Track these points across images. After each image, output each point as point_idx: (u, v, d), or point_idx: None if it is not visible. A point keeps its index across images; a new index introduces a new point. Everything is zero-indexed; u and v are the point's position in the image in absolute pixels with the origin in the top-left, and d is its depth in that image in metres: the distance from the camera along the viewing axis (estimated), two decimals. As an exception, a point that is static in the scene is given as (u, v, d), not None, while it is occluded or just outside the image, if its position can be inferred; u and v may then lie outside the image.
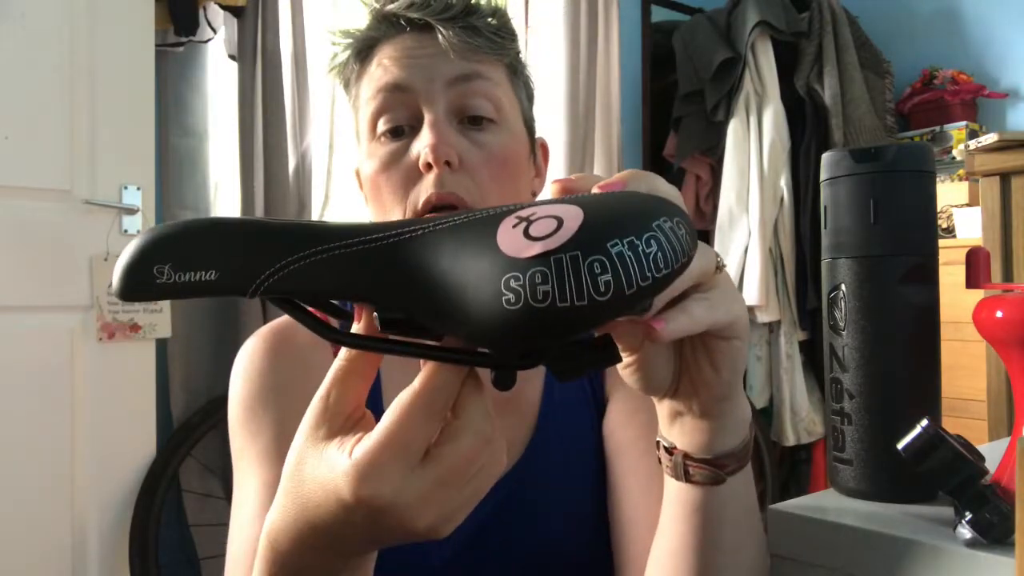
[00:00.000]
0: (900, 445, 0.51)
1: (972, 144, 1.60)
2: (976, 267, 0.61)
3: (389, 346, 0.37)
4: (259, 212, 2.02)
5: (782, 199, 2.54)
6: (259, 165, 2.00)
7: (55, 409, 1.64)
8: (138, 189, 1.76)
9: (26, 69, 1.62)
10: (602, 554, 0.68)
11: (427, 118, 0.65)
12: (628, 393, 0.71)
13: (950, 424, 0.55)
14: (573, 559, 0.69)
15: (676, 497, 0.50)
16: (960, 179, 2.64)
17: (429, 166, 0.63)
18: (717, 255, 0.41)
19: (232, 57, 2.04)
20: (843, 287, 0.62)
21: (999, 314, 0.56)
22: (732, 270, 2.49)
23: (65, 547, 1.65)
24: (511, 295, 0.31)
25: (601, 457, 0.71)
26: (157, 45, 1.84)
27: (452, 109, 0.66)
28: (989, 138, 1.56)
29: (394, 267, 0.35)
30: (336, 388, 0.38)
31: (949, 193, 2.56)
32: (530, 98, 0.75)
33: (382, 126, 0.67)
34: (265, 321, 1.93)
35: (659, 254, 0.32)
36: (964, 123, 2.80)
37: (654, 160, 2.92)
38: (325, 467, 0.37)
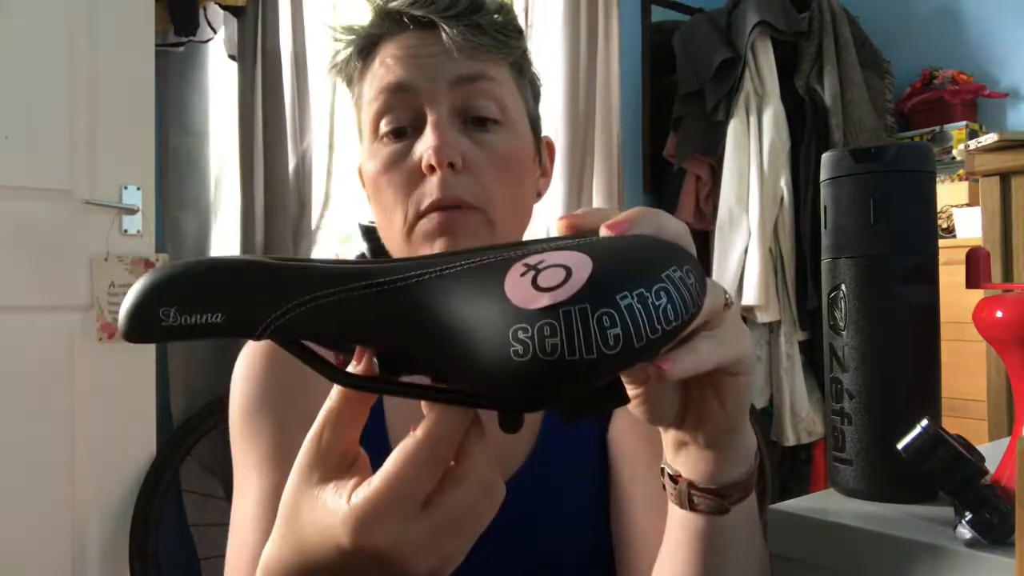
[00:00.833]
0: (900, 445, 0.51)
1: (972, 144, 1.60)
2: (976, 267, 0.61)
3: (396, 388, 0.37)
4: (259, 212, 2.01)
5: (782, 199, 2.54)
6: (259, 165, 2.00)
7: (55, 409, 1.64)
8: (138, 189, 1.76)
9: (26, 69, 1.62)
10: (604, 564, 0.68)
11: (430, 119, 0.63)
12: None
13: (950, 424, 0.55)
14: (575, 568, 0.68)
15: (680, 524, 0.50)
16: (960, 179, 2.64)
17: (432, 168, 0.62)
18: (726, 292, 0.41)
19: (232, 57, 2.04)
20: (843, 287, 0.62)
21: (999, 314, 0.56)
22: (732, 270, 2.49)
23: (65, 547, 1.65)
24: (519, 346, 0.31)
25: (605, 466, 0.70)
26: (157, 45, 1.84)
27: (456, 110, 0.65)
28: (989, 138, 1.56)
29: (401, 311, 0.34)
30: (328, 430, 0.38)
31: (949, 193, 2.56)
32: (536, 96, 0.74)
33: (384, 126, 0.65)
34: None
35: (669, 307, 0.32)
36: (964, 123, 2.80)
37: (654, 160, 2.91)
38: (321, 512, 0.36)
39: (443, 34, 0.64)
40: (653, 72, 2.93)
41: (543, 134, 0.75)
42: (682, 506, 0.48)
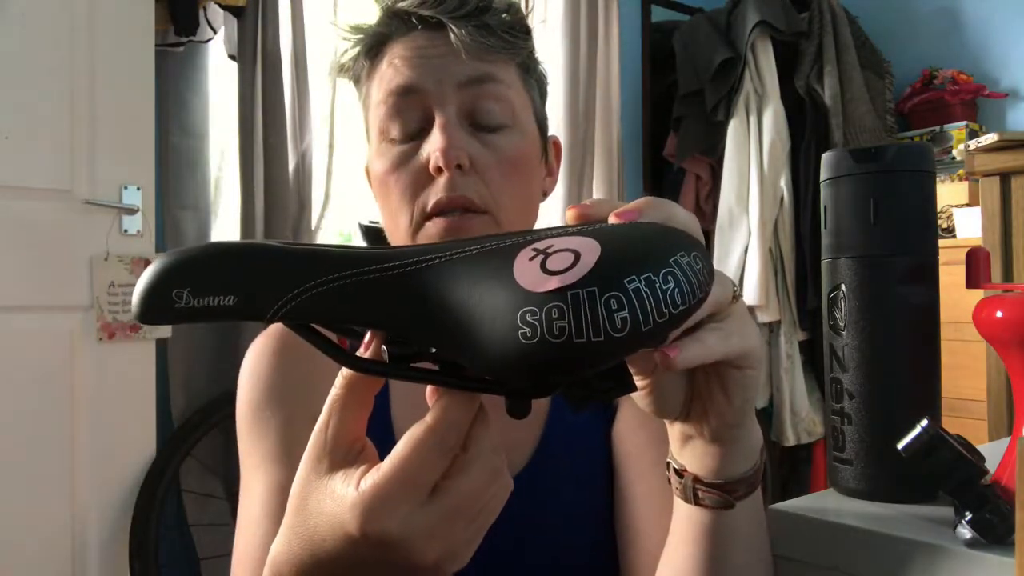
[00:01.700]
0: (900, 445, 0.51)
1: (972, 144, 1.60)
2: (976, 267, 0.61)
3: (404, 372, 0.37)
4: (259, 212, 2.02)
5: (782, 199, 2.54)
6: (259, 165, 2.00)
7: (55, 409, 1.64)
8: (138, 189, 1.76)
9: (26, 69, 1.62)
10: (608, 561, 0.68)
11: (438, 120, 0.63)
12: None
13: (950, 424, 0.55)
14: (579, 565, 0.68)
15: (685, 519, 0.50)
16: (960, 179, 2.64)
17: (440, 169, 0.62)
18: (734, 284, 0.41)
19: (232, 57, 2.04)
20: (843, 287, 0.62)
21: (999, 314, 0.56)
22: (732, 270, 2.49)
23: (65, 547, 1.65)
24: (527, 329, 0.31)
25: (609, 463, 0.70)
26: (157, 45, 1.84)
27: (463, 111, 0.65)
28: (989, 138, 1.56)
29: (410, 295, 0.35)
30: (334, 418, 0.38)
31: (949, 193, 2.56)
32: (543, 95, 0.74)
33: (392, 127, 0.65)
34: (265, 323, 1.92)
35: (676, 290, 0.32)
36: (964, 123, 2.80)
37: (654, 160, 2.92)
38: (331, 501, 0.36)
39: (451, 35, 0.64)
40: (653, 72, 2.93)
41: (550, 133, 0.75)
42: (687, 501, 0.49)
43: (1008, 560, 0.48)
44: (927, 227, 0.62)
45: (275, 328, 0.71)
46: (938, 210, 1.12)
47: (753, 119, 2.55)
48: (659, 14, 2.97)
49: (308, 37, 2.09)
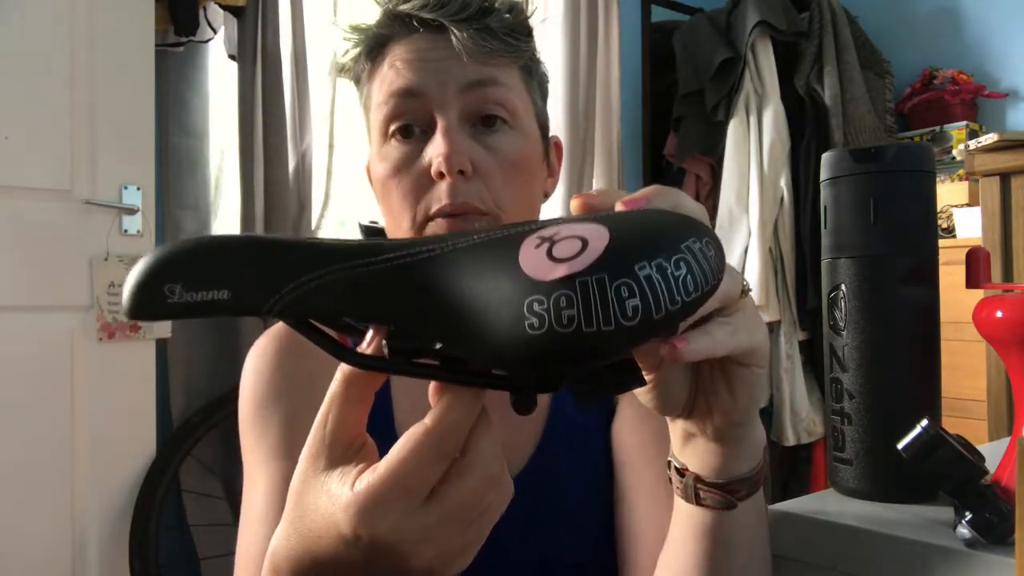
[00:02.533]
0: (900, 445, 0.51)
1: (972, 144, 1.60)
2: (976, 267, 0.61)
3: (407, 368, 0.36)
4: (259, 212, 2.02)
5: (782, 199, 2.54)
6: (259, 165, 2.00)
7: (55, 409, 1.64)
8: (138, 189, 1.76)
9: (26, 69, 1.62)
10: (608, 559, 0.68)
11: (440, 124, 0.63)
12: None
13: (950, 424, 0.55)
14: (578, 565, 0.68)
15: (686, 518, 0.50)
16: (960, 179, 2.64)
17: (442, 175, 0.62)
18: (743, 278, 0.41)
19: (232, 57, 2.04)
20: (843, 287, 0.62)
21: (999, 314, 0.56)
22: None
23: (65, 547, 1.65)
24: (534, 319, 0.30)
25: (609, 462, 0.70)
26: (157, 45, 1.84)
27: (465, 114, 0.65)
28: (989, 138, 1.56)
29: (412, 287, 0.34)
30: (333, 415, 0.37)
31: (949, 193, 2.56)
32: (544, 96, 0.74)
33: (394, 129, 0.66)
34: (265, 323, 1.93)
35: (689, 277, 0.31)
36: (964, 123, 2.80)
37: (654, 160, 2.92)
38: (326, 499, 0.36)
39: (453, 38, 0.64)
40: (653, 72, 2.93)
41: (551, 133, 0.75)
42: (688, 500, 0.48)
43: (1008, 560, 0.48)
44: (927, 227, 0.62)
45: (277, 328, 0.71)
46: (938, 210, 1.12)
47: (753, 119, 2.55)
48: (659, 14, 2.97)
49: (308, 37, 2.09)
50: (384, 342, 0.35)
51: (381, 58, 0.68)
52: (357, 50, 0.69)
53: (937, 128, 2.85)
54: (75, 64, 1.67)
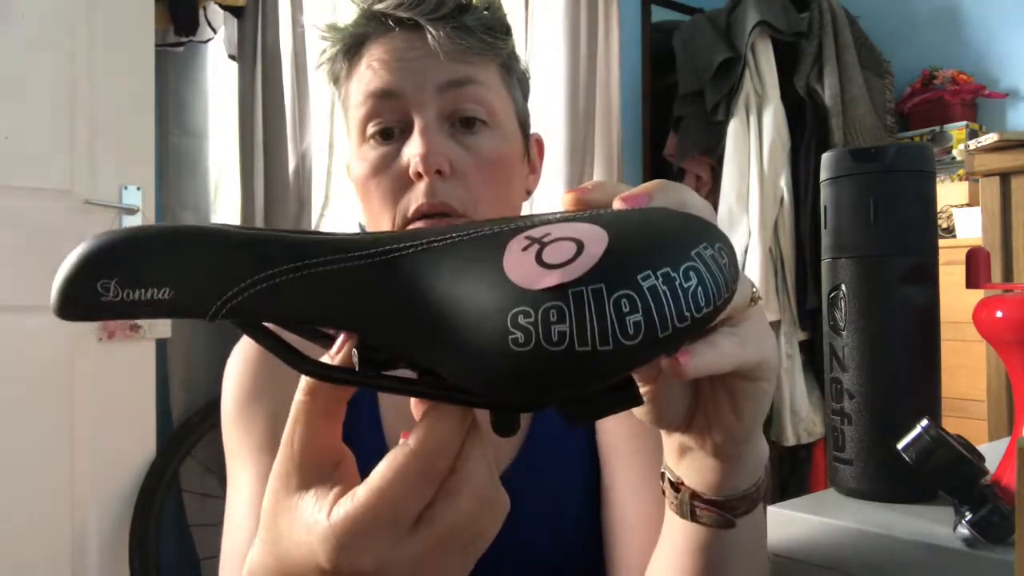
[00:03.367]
0: (900, 445, 0.51)
1: (972, 144, 1.60)
2: (976, 267, 0.61)
3: (375, 381, 0.31)
4: (259, 212, 2.02)
5: (782, 199, 2.54)
6: (259, 165, 2.00)
7: (55, 409, 1.64)
8: (138, 189, 1.76)
9: (26, 69, 1.62)
10: (594, 556, 0.68)
11: (417, 124, 0.63)
12: None
13: (950, 424, 0.55)
14: (565, 561, 0.68)
15: (680, 534, 0.46)
16: (960, 179, 2.64)
17: (420, 175, 0.62)
18: (753, 286, 0.37)
19: (232, 57, 2.04)
20: (843, 287, 0.62)
21: (999, 314, 0.56)
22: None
23: (65, 547, 1.65)
24: (519, 334, 0.26)
25: (594, 457, 0.70)
26: (157, 45, 1.84)
27: (443, 114, 0.64)
28: (989, 138, 1.56)
29: (378, 291, 0.29)
30: (300, 429, 0.33)
31: (949, 193, 2.56)
32: (525, 95, 0.73)
33: (372, 129, 0.65)
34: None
35: (699, 289, 0.27)
36: (964, 123, 2.80)
37: (654, 160, 2.92)
38: (300, 525, 0.32)
39: (429, 36, 0.63)
40: (653, 72, 2.93)
41: (533, 131, 0.75)
42: (683, 516, 0.45)
43: (1008, 560, 0.48)
44: (927, 227, 0.62)
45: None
46: (938, 210, 1.12)
47: (753, 119, 2.55)
48: (659, 14, 2.97)
49: (308, 37, 2.09)
50: (354, 351, 0.31)
51: (358, 58, 0.67)
52: (335, 49, 0.69)
53: (937, 128, 2.85)
54: (75, 64, 1.67)
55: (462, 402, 0.31)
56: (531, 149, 0.74)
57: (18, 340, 1.61)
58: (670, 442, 0.45)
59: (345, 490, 0.32)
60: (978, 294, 0.62)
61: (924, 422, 0.51)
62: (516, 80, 0.71)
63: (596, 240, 0.27)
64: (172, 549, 1.91)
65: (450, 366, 0.29)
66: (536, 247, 0.28)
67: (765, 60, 2.57)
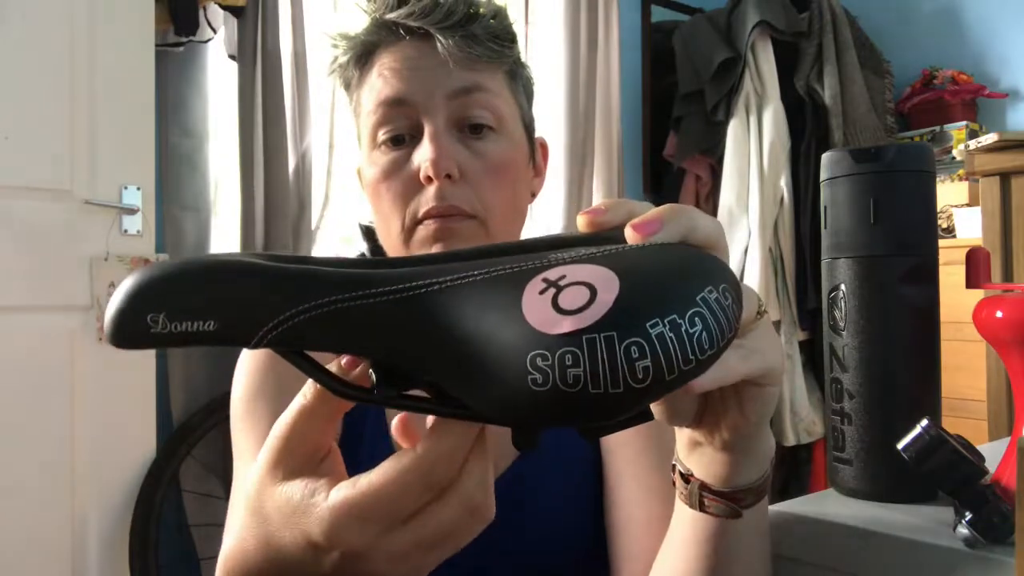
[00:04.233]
0: (900, 445, 0.51)
1: (972, 144, 1.60)
2: (976, 267, 0.61)
3: (404, 402, 0.34)
4: (259, 212, 2.01)
5: (782, 199, 2.54)
6: (259, 165, 2.00)
7: (55, 409, 1.64)
8: (138, 189, 1.76)
9: (26, 69, 1.62)
10: (598, 552, 0.68)
11: (427, 130, 0.65)
12: None
13: (950, 424, 0.55)
14: (569, 558, 0.69)
15: (689, 524, 0.49)
16: (960, 179, 2.64)
17: (430, 179, 0.64)
18: (759, 300, 0.39)
19: (232, 57, 2.04)
20: (843, 287, 0.62)
21: (999, 314, 0.55)
22: (732, 270, 2.49)
23: (65, 547, 1.65)
24: (538, 375, 0.28)
25: (598, 453, 0.71)
26: (157, 45, 1.84)
27: (452, 120, 0.66)
28: (989, 138, 1.56)
29: (408, 325, 0.32)
30: (300, 426, 0.36)
31: (949, 193, 2.56)
32: (529, 99, 0.75)
33: (383, 136, 0.67)
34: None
35: (704, 334, 0.29)
36: (964, 123, 2.80)
37: (654, 160, 2.91)
38: (289, 508, 0.35)
39: (439, 45, 0.65)
40: (653, 72, 2.93)
41: (537, 135, 0.77)
42: (692, 506, 0.48)
43: (1008, 560, 0.48)
44: (927, 227, 0.62)
45: None
46: (938, 210, 1.12)
47: (753, 119, 2.55)
48: (659, 14, 2.97)
49: (308, 37, 2.09)
50: (371, 371, 0.34)
51: (369, 66, 0.69)
52: (346, 58, 0.71)
53: (937, 128, 2.85)
54: (75, 64, 1.68)
55: (483, 420, 0.33)
56: (536, 153, 0.76)
57: (18, 340, 1.61)
58: (681, 436, 0.47)
59: (335, 480, 0.35)
60: (978, 294, 0.62)
61: (924, 422, 0.51)
62: (521, 86, 0.73)
63: (608, 286, 0.29)
64: (172, 549, 1.91)
65: (473, 397, 0.31)
66: (552, 291, 0.30)
67: (765, 60, 2.57)
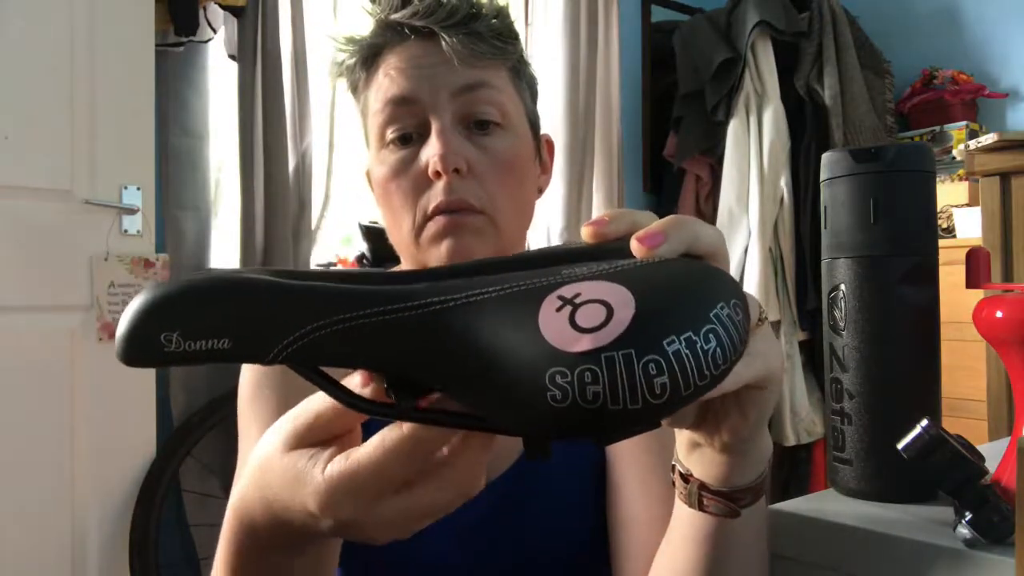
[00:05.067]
0: (900, 445, 0.51)
1: (972, 144, 1.60)
2: (976, 267, 0.61)
3: (419, 416, 0.34)
4: (259, 212, 2.01)
5: (782, 199, 2.54)
6: (259, 165, 2.00)
7: (55, 409, 1.64)
8: (138, 189, 1.76)
9: (26, 69, 1.62)
10: (599, 550, 0.69)
11: (434, 127, 0.66)
12: None
13: (950, 424, 0.55)
14: (570, 556, 0.69)
15: (688, 523, 0.50)
16: (960, 179, 2.63)
17: (438, 174, 0.65)
18: (761, 308, 0.40)
19: (232, 57, 2.04)
20: (843, 287, 0.62)
21: (999, 314, 0.55)
22: (732, 270, 2.49)
23: (65, 547, 1.65)
24: (557, 392, 0.29)
25: (600, 453, 0.71)
26: (157, 45, 1.84)
27: (458, 117, 0.67)
28: (989, 138, 1.56)
29: (425, 343, 0.32)
30: (329, 417, 0.38)
31: (949, 193, 2.56)
32: (534, 97, 0.76)
33: (391, 134, 0.68)
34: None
35: (718, 350, 0.30)
36: (964, 123, 2.80)
37: (654, 160, 2.91)
38: (292, 474, 0.37)
39: (444, 44, 0.66)
40: (653, 72, 2.93)
41: (542, 132, 0.78)
42: (691, 506, 0.49)
43: (1008, 560, 0.48)
44: (927, 227, 0.62)
45: None
46: (938, 210, 1.12)
47: (753, 119, 2.55)
48: (659, 14, 2.97)
49: (308, 37, 2.09)
50: (384, 385, 0.34)
51: (376, 67, 0.70)
52: (352, 60, 0.72)
53: (937, 128, 2.85)
54: (75, 64, 1.67)
55: (502, 432, 0.34)
56: (542, 150, 0.77)
57: (18, 340, 1.61)
58: (681, 437, 0.48)
59: (339, 451, 0.37)
60: (978, 294, 0.62)
61: (924, 422, 0.51)
62: (525, 83, 0.74)
63: (624, 304, 0.30)
64: (172, 549, 1.91)
65: (490, 412, 0.32)
66: (569, 308, 0.31)
67: (765, 60, 2.57)
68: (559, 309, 0.31)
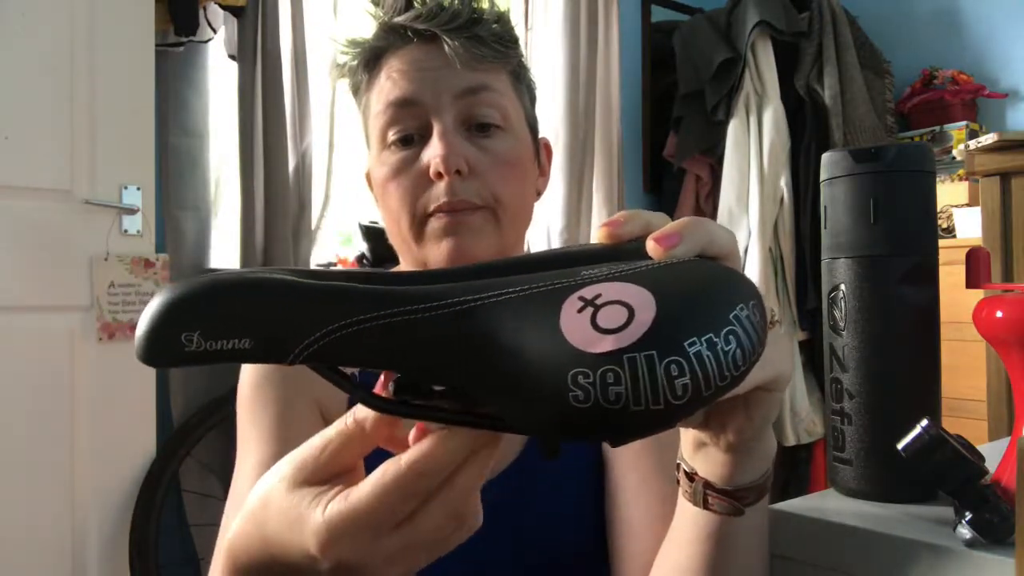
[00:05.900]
0: (900, 445, 0.51)
1: (972, 144, 1.60)
2: (976, 267, 0.61)
3: (434, 414, 0.34)
4: (259, 212, 2.01)
5: (782, 199, 2.54)
6: (259, 165, 2.00)
7: (55, 409, 1.64)
8: (138, 189, 1.76)
9: (26, 69, 1.62)
10: (599, 549, 0.69)
11: (436, 129, 0.66)
12: None
13: (950, 424, 0.55)
14: (570, 554, 0.69)
15: (691, 521, 0.51)
16: (960, 179, 2.64)
17: (440, 175, 0.65)
18: (772, 312, 0.41)
19: (232, 57, 2.04)
20: (843, 287, 0.62)
21: (999, 314, 0.55)
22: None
23: (65, 547, 1.65)
24: (580, 392, 0.29)
25: (599, 453, 0.71)
26: (157, 45, 1.84)
27: (460, 119, 0.68)
28: (989, 138, 1.56)
29: (445, 343, 0.32)
30: (334, 448, 0.37)
31: (949, 193, 2.56)
32: (532, 100, 0.77)
33: (392, 136, 0.68)
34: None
35: (738, 351, 0.30)
36: (964, 123, 2.80)
37: (654, 160, 2.91)
38: (295, 514, 0.36)
39: (445, 47, 0.67)
40: (653, 72, 2.93)
41: (540, 135, 0.78)
42: (696, 504, 0.49)
43: (1008, 560, 0.48)
44: (927, 227, 0.62)
45: None
46: (938, 210, 1.12)
47: (753, 119, 2.55)
48: (659, 14, 2.97)
49: (308, 37, 2.09)
50: (391, 385, 0.34)
51: (378, 69, 0.71)
52: (355, 63, 0.72)
53: (937, 128, 2.85)
54: (75, 64, 1.67)
55: (516, 431, 0.33)
56: (541, 153, 0.78)
57: (18, 340, 1.61)
58: (687, 436, 0.49)
59: (341, 490, 0.36)
60: (978, 294, 0.62)
61: (924, 422, 0.51)
62: (525, 87, 0.75)
63: (645, 306, 0.30)
64: (172, 549, 1.91)
65: (509, 410, 0.32)
66: (590, 310, 0.31)
67: (765, 60, 2.57)
68: (580, 310, 0.31)
